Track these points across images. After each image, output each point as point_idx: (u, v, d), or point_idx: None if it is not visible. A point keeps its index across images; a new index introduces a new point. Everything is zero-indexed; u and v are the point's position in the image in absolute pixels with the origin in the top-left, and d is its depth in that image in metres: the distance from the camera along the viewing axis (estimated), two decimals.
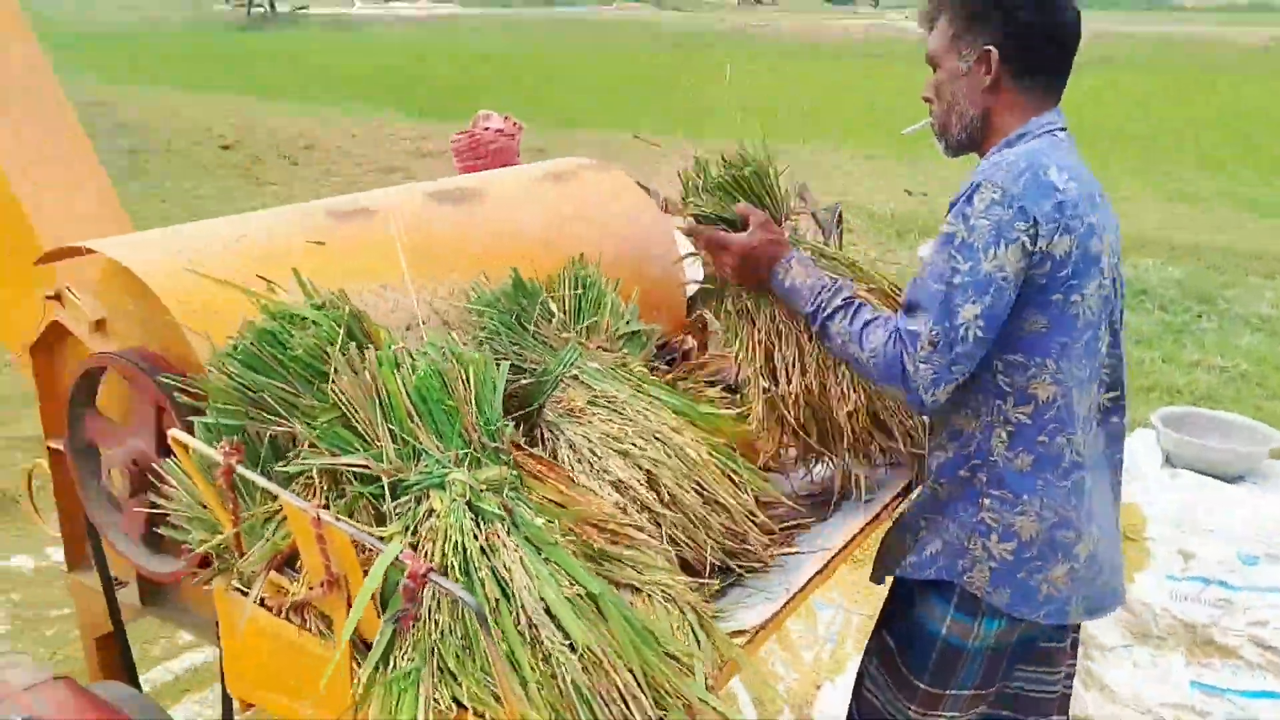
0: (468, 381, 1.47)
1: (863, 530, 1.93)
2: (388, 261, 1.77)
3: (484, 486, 1.38)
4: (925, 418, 1.92)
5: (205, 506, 1.46)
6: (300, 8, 63.61)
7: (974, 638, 1.76)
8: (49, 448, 1.98)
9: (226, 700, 1.73)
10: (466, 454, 1.42)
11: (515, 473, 1.46)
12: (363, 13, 64.50)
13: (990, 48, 1.71)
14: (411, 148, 12.01)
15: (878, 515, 1.99)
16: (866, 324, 1.70)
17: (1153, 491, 4.17)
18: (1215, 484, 4.23)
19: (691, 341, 2.40)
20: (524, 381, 1.73)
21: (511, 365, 1.70)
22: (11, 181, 1.95)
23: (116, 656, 2.04)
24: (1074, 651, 2.00)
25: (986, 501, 1.72)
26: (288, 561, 1.41)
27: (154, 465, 1.63)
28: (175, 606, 1.95)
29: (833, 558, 1.81)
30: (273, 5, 61.88)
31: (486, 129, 2.93)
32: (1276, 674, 3.07)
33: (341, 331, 1.48)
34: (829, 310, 1.74)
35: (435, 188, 2.12)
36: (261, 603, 1.41)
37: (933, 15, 1.78)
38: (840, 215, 6.12)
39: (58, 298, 1.82)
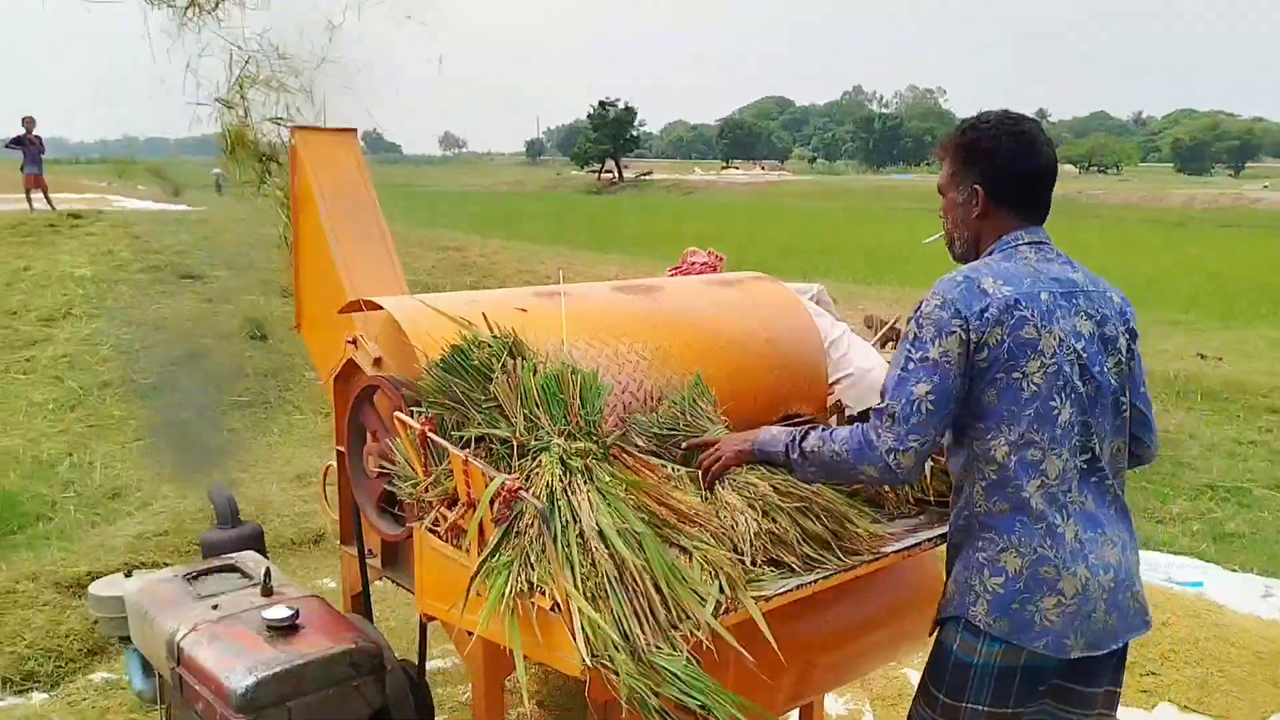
0: (578, 385, 2.13)
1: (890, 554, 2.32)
2: (567, 326, 2.48)
3: (574, 453, 2.02)
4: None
5: (412, 467, 2.20)
6: (645, 174, 69.53)
7: (979, 655, 2.09)
8: (337, 451, 2.82)
9: (421, 626, 2.43)
10: (568, 431, 2.07)
11: (603, 450, 2.09)
12: (703, 178, 69.41)
13: (978, 186, 2.19)
14: None
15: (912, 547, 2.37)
16: (832, 429, 2.18)
17: None
18: None
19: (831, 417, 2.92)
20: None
21: None
22: (339, 268, 2.87)
23: (362, 607, 2.81)
24: (1109, 701, 2.25)
25: (980, 543, 2.09)
26: (453, 503, 2.10)
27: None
28: (400, 570, 2.68)
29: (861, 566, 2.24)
30: (620, 172, 68.10)
31: (693, 262, 3.60)
32: None
33: (505, 351, 2.20)
34: (802, 434, 2.21)
35: (621, 284, 2.84)
36: (434, 532, 2.10)
37: (941, 157, 2.29)
38: (896, 329, 6.35)
39: (354, 342, 2.68)
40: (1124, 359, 2.13)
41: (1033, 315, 2.01)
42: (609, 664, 1.69)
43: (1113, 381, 2.09)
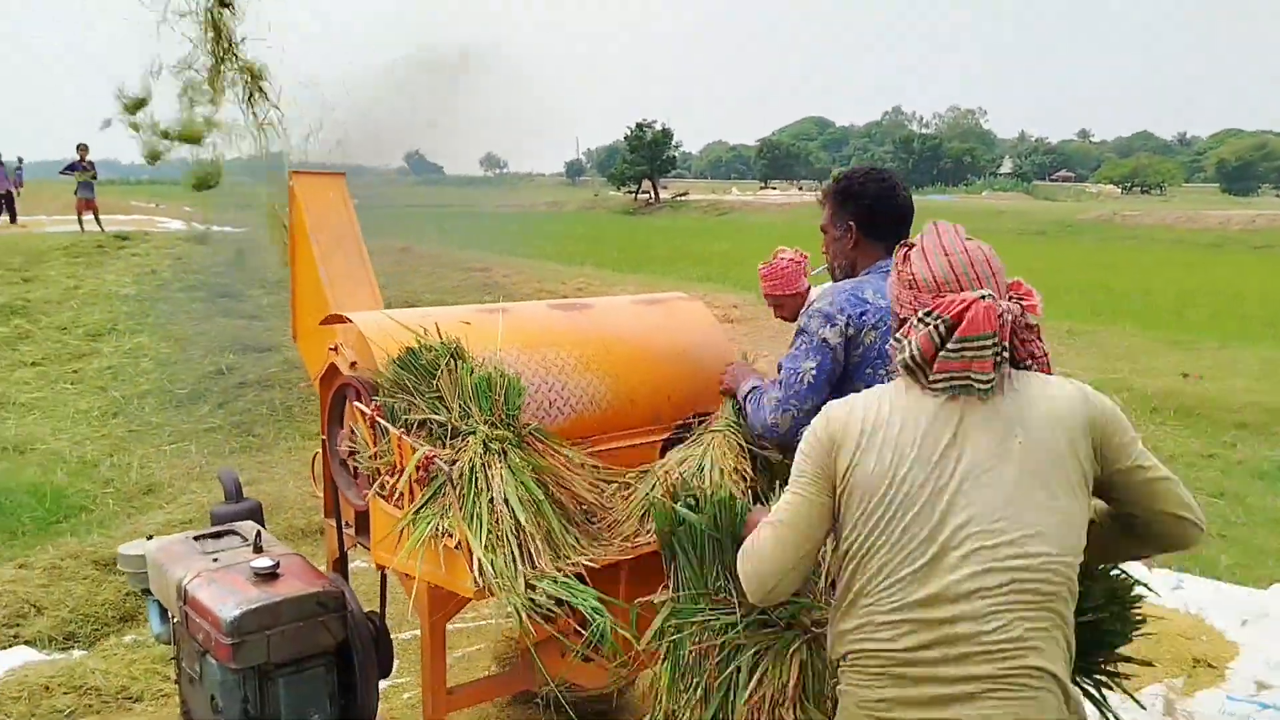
0: (503, 386, 2.68)
1: None
2: (505, 337, 3.03)
3: (494, 438, 2.57)
4: None
5: (366, 445, 2.76)
6: (681, 194, 70.21)
7: None
8: (322, 440, 3.38)
9: (382, 574, 2.98)
10: (492, 421, 2.62)
11: (517, 438, 2.63)
12: (739, 199, 69.92)
13: (851, 222, 2.72)
14: (720, 314, 13.58)
15: None
16: (749, 384, 2.72)
17: (1264, 636, 4.51)
18: None
19: None
20: None
21: None
22: (326, 287, 3.44)
23: (342, 569, 3.36)
24: None
25: None
26: (395, 472, 2.65)
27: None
28: (368, 537, 3.23)
29: None
30: (657, 192, 68.84)
31: (781, 258, 4.12)
32: None
33: (448, 354, 2.75)
34: (754, 389, 2.75)
35: (557, 302, 3.39)
36: (381, 496, 2.66)
37: (823, 200, 2.83)
38: None
39: (336, 348, 3.24)
40: None
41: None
42: (494, 585, 2.23)
43: None
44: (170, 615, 3.04)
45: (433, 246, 19.04)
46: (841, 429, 1.84)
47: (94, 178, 17.40)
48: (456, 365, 2.74)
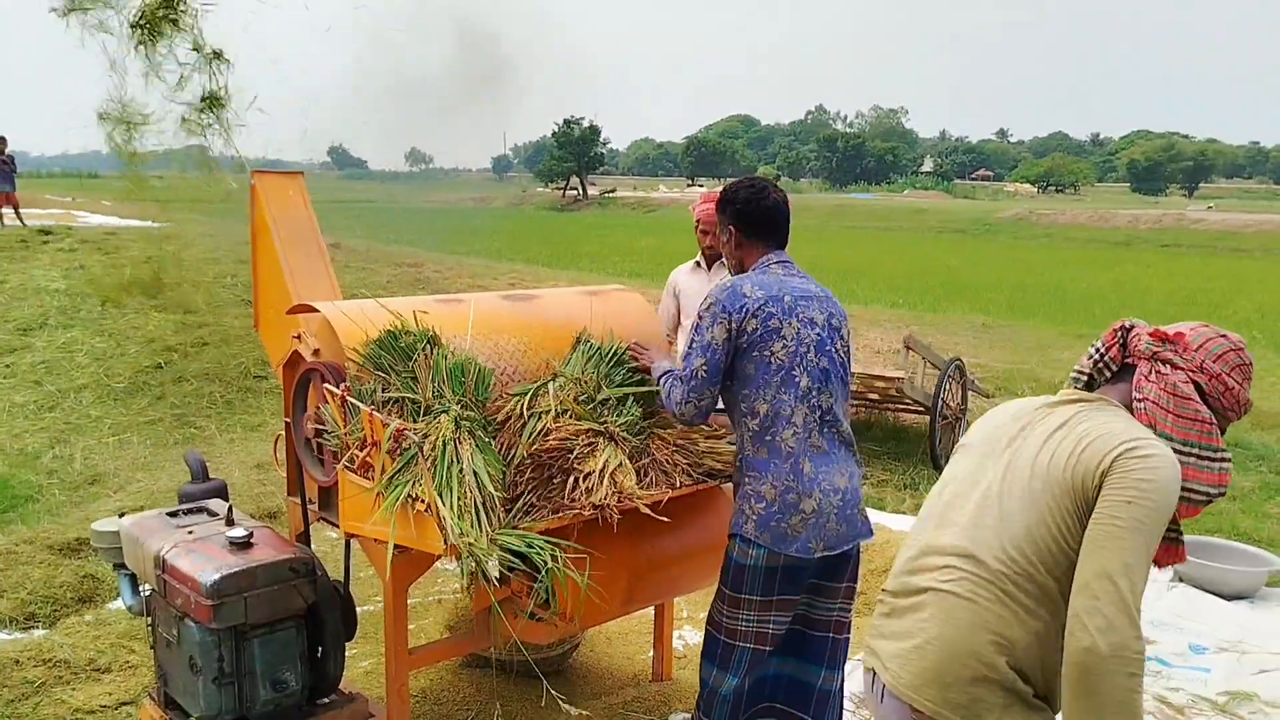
0: (475, 373, 2.94)
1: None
2: (465, 324, 3.28)
3: (465, 417, 2.82)
4: None
5: (336, 424, 2.99)
6: (609, 191, 70.58)
7: (750, 559, 2.89)
8: (285, 423, 3.59)
9: (346, 542, 3.21)
10: (464, 401, 2.87)
11: (484, 419, 2.89)
12: (666, 195, 70.56)
13: (731, 226, 3.05)
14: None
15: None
16: (662, 373, 3.04)
17: (1149, 598, 4.93)
18: (1208, 597, 4.95)
19: None
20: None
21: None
22: (287, 279, 3.65)
23: (305, 543, 3.57)
24: (849, 594, 3.06)
25: (747, 479, 2.91)
26: (363, 447, 2.89)
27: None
28: (331, 511, 3.45)
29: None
30: (585, 189, 69.04)
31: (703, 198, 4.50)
32: (1155, 717, 3.82)
33: (425, 339, 2.99)
34: (667, 374, 3.05)
35: (506, 293, 3.66)
36: (350, 469, 2.89)
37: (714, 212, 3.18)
38: (960, 369, 7.18)
39: (299, 337, 3.46)
40: (846, 342, 3.00)
41: (777, 311, 2.86)
42: (461, 542, 2.49)
43: (839, 356, 2.95)
44: (142, 587, 3.24)
45: (361, 242, 19.06)
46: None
47: (13, 170, 17.08)
48: (432, 350, 2.98)
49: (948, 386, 7.13)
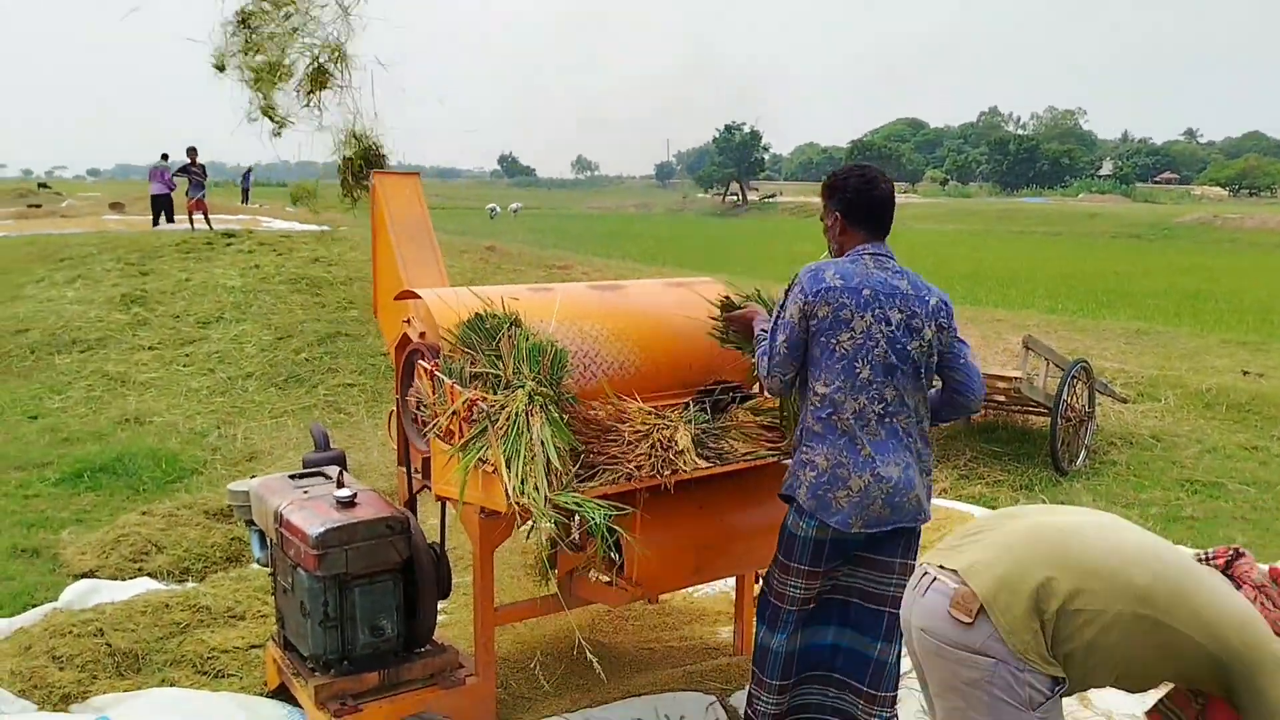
0: (552, 353, 3.21)
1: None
2: (552, 310, 3.57)
3: (539, 393, 3.10)
4: None
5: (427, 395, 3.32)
6: (769, 196, 70.55)
7: (801, 530, 3.08)
8: (396, 398, 3.96)
9: (442, 505, 3.54)
10: (539, 379, 3.15)
11: (557, 395, 3.15)
12: None
13: (837, 212, 3.19)
14: None
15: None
16: (760, 345, 3.20)
17: None
18: None
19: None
20: None
21: None
22: (401, 268, 4.02)
23: (411, 509, 3.93)
24: (904, 570, 3.17)
25: (804, 448, 3.07)
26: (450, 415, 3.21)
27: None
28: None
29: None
30: (745, 194, 69.19)
31: None
32: None
33: (509, 322, 3.29)
34: (760, 339, 3.24)
35: (595, 284, 3.93)
36: (438, 435, 3.22)
37: (822, 198, 3.31)
38: (1087, 369, 7.08)
39: (408, 321, 3.82)
40: (928, 342, 3.06)
41: (851, 303, 3.00)
42: (522, 500, 2.77)
43: (914, 356, 3.05)
44: (269, 541, 3.66)
45: (519, 245, 19.81)
46: None
47: (204, 179, 18.56)
48: (515, 332, 3.28)
49: (1071, 388, 7.01)
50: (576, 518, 2.99)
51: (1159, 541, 2.21)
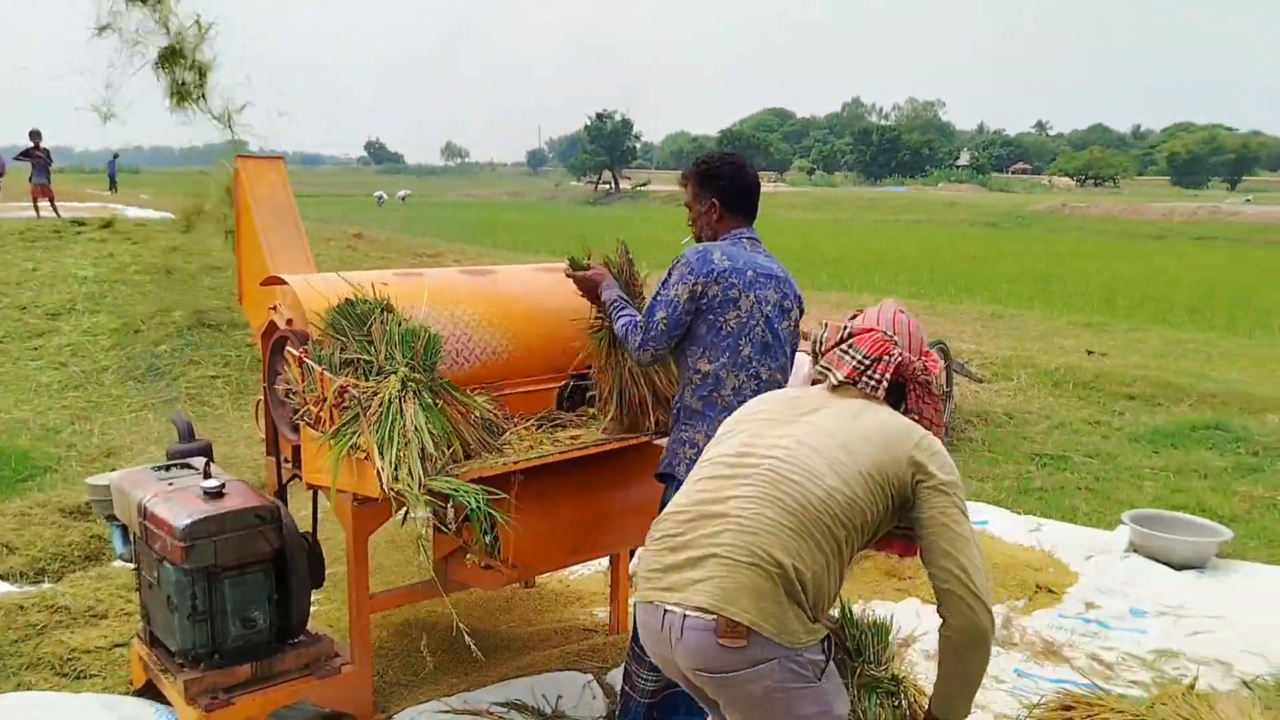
0: (425, 338, 3.21)
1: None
2: (422, 295, 3.56)
3: (412, 379, 3.09)
4: None
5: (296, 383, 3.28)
6: (641, 184, 70.93)
7: None
8: (264, 387, 3.88)
9: (314, 494, 3.50)
10: (412, 365, 3.14)
11: (430, 381, 3.15)
12: None
13: (714, 199, 3.27)
14: None
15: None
16: (625, 316, 3.25)
17: (1101, 567, 5.13)
18: (1157, 566, 5.14)
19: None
20: None
21: None
22: (267, 254, 3.94)
23: (281, 499, 3.87)
24: None
25: (683, 425, 3.16)
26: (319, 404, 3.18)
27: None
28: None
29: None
30: (617, 182, 69.45)
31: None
32: (1084, 673, 4.02)
33: (380, 307, 3.27)
34: (619, 308, 3.29)
35: (466, 268, 3.93)
36: (308, 422, 3.18)
37: (683, 181, 3.38)
38: (945, 351, 7.37)
39: (274, 308, 3.75)
40: (795, 322, 3.24)
41: (739, 283, 3.10)
42: (395, 486, 2.77)
43: (784, 335, 3.18)
44: (132, 535, 3.55)
45: (386, 233, 19.48)
46: None
47: (48, 164, 17.63)
48: (387, 317, 3.26)
49: None
50: (452, 503, 3.01)
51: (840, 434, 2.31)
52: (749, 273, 3.13)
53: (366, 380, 3.12)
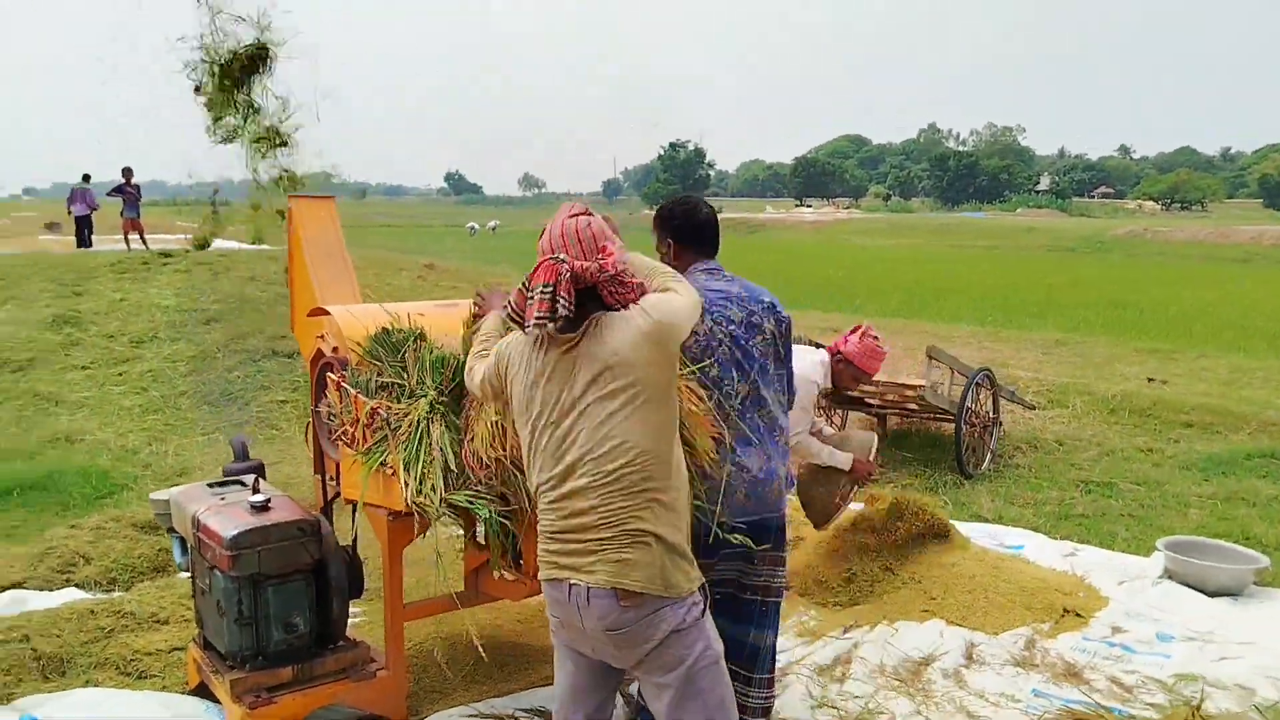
0: (455, 365, 3.45)
1: None
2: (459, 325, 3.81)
3: (439, 403, 3.34)
4: None
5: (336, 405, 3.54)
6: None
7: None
8: (312, 410, 4.17)
9: (353, 509, 3.77)
10: (441, 389, 3.39)
11: (457, 406, 3.39)
12: (772, 216, 70.71)
13: (669, 239, 3.46)
14: None
15: None
16: None
17: (1133, 593, 5.16)
18: (1190, 593, 5.15)
19: None
20: None
21: None
22: (315, 289, 4.24)
23: (327, 514, 4.14)
24: (774, 561, 3.42)
25: None
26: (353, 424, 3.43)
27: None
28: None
29: None
30: None
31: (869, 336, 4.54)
32: (1102, 695, 4.08)
33: (414, 336, 3.52)
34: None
35: None
36: (345, 441, 3.44)
37: (653, 229, 3.58)
38: (990, 378, 7.43)
39: (322, 336, 4.04)
40: (770, 335, 3.33)
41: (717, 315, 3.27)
42: (418, 499, 3.01)
43: (758, 350, 3.30)
44: (188, 545, 3.85)
45: (454, 263, 19.97)
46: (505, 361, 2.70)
47: (138, 199, 18.52)
48: (419, 344, 3.52)
49: (974, 395, 7.38)
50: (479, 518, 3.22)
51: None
52: (719, 303, 3.28)
53: (399, 403, 3.38)
